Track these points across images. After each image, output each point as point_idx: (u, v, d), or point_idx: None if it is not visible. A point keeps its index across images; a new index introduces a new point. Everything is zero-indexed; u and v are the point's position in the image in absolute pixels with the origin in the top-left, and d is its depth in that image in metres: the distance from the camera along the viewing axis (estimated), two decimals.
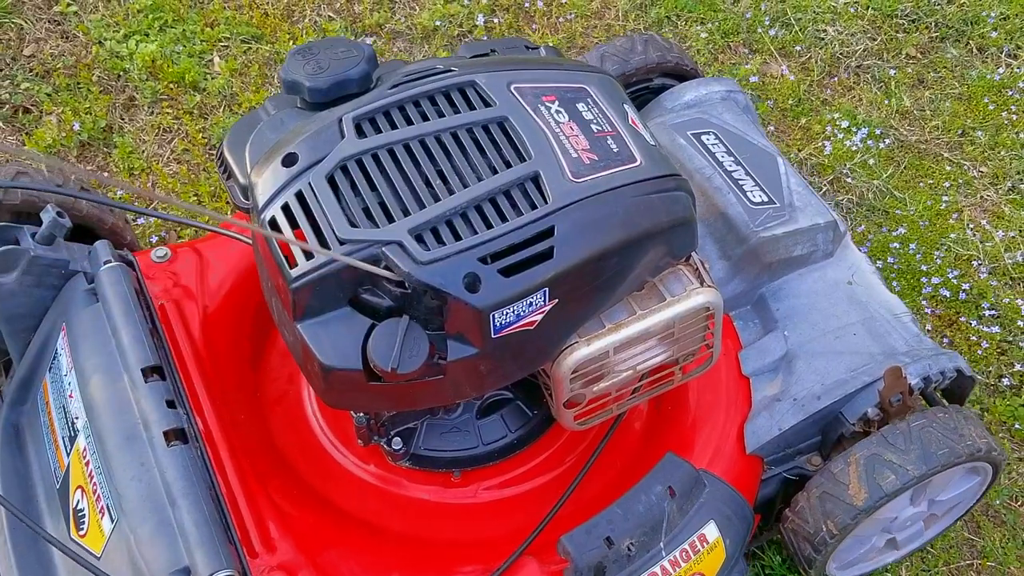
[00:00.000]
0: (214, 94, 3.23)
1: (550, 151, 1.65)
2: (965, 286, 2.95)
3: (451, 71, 1.74)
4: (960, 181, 3.19)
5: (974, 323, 2.87)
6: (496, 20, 3.49)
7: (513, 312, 1.57)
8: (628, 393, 1.89)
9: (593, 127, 1.73)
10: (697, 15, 3.57)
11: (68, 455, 1.89)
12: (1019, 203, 3.12)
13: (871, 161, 3.23)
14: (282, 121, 1.80)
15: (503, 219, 1.57)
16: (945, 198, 3.14)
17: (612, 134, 1.74)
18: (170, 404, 1.81)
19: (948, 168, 3.21)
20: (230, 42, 3.36)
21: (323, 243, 1.55)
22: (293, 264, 1.56)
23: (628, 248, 1.67)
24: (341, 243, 1.54)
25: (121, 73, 3.25)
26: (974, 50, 3.52)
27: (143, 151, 3.10)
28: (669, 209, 1.71)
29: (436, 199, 1.58)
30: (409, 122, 1.66)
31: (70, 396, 1.90)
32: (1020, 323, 2.87)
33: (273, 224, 1.60)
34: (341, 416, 2.03)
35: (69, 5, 3.40)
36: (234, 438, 1.87)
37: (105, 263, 2.00)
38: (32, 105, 3.16)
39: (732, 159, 2.42)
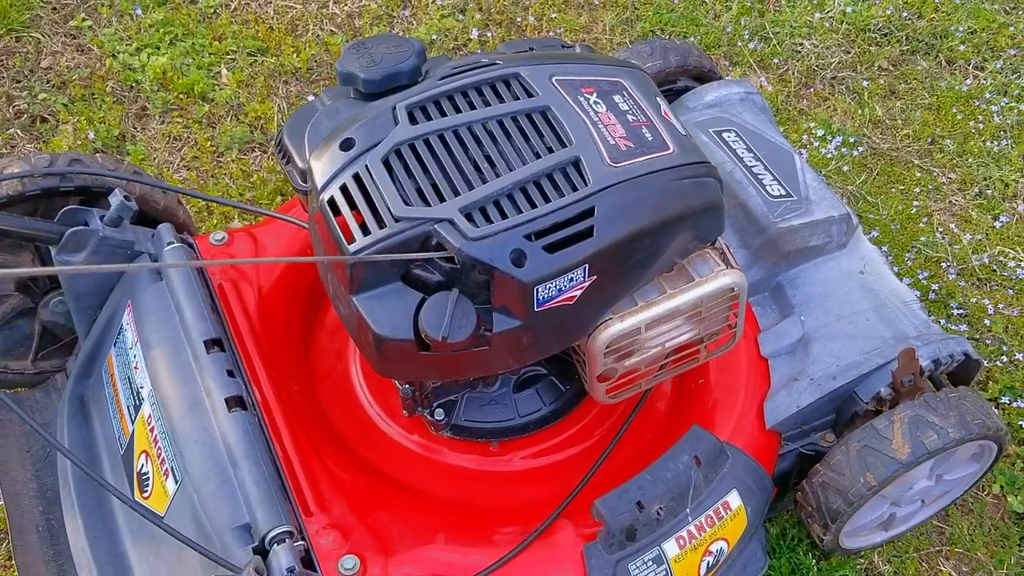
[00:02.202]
0: (222, 104, 3.25)
1: (589, 138, 1.68)
2: (934, 286, 2.97)
3: (496, 64, 1.77)
4: (930, 187, 3.20)
5: (943, 322, 2.89)
6: (489, 34, 3.51)
7: (555, 287, 1.60)
8: (656, 369, 1.92)
9: (629, 117, 1.76)
10: (680, 29, 3.59)
11: (133, 423, 1.92)
12: (986, 207, 3.14)
13: (845, 168, 3.26)
14: (337, 110, 1.84)
15: (547, 200, 1.60)
16: (916, 203, 3.15)
17: (646, 124, 1.76)
18: (230, 374, 1.84)
19: (918, 174, 3.23)
20: (237, 55, 3.39)
21: (379, 221, 1.59)
22: (351, 240, 1.59)
23: (661, 229, 1.69)
24: (396, 220, 1.57)
25: (134, 84, 3.28)
26: (943, 62, 3.55)
27: (154, 158, 3.13)
28: (700, 194, 1.74)
29: (484, 181, 1.61)
30: (458, 110, 1.69)
31: (135, 368, 1.94)
32: (987, 321, 2.89)
33: (332, 204, 1.63)
34: (386, 390, 2.06)
35: (84, 20, 3.43)
36: (288, 407, 1.90)
37: (168, 244, 2.03)
38: (49, 115, 3.19)
39: (752, 155, 2.44)
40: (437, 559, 1.74)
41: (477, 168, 1.63)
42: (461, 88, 1.72)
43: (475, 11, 3.56)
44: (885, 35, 3.61)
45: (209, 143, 3.14)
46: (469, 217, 1.57)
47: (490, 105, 1.71)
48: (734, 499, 1.92)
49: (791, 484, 2.26)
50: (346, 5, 3.56)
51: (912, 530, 2.45)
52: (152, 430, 1.85)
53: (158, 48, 3.37)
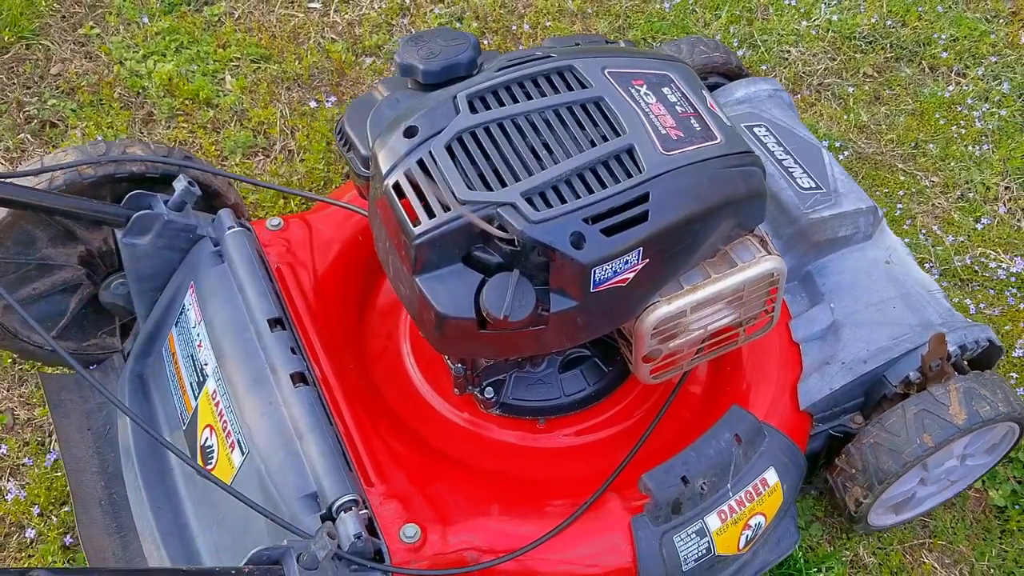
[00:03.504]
0: (226, 110, 3.25)
1: (642, 127, 1.71)
2: None
3: (550, 57, 1.80)
4: (913, 190, 3.21)
5: None
6: (486, 41, 3.51)
7: (611, 268, 1.63)
8: (698, 350, 1.94)
9: (677, 108, 1.79)
10: (671, 37, 3.58)
11: (196, 398, 1.95)
12: (967, 210, 3.16)
13: None
14: (397, 100, 1.87)
15: (603, 185, 1.63)
16: (899, 206, 3.16)
17: (694, 115, 1.79)
18: (292, 351, 1.87)
19: (902, 178, 3.23)
20: (240, 62, 3.39)
21: (443, 205, 1.61)
22: (416, 223, 1.61)
23: (710, 216, 1.72)
24: (461, 204, 1.59)
25: (140, 91, 3.28)
26: (926, 69, 3.56)
27: None
28: (745, 182, 1.77)
29: (543, 167, 1.64)
30: (516, 100, 1.72)
31: (199, 346, 1.96)
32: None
33: (397, 188, 1.66)
34: (436, 369, 2.09)
35: (92, 28, 3.44)
36: (346, 384, 1.93)
37: (229, 228, 2.06)
38: (58, 120, 3.19)
39: (782, 149, 2.47)
40: (493, 529, 1.77)
41: (536, 155, 1.66)
42: (518, 79, 1.75)
43: (472, 19, 3.57)
44: (870, 43, 3.63)
45: (213, 147, 3.16)
46: (530, 201, 1.60)
47: (546, 96, 1.73)
48: (771, 476, 1.95)
49: (819, 466, 2.29)
50: (346, 14, 3.57)
51: (916, 517, 2.49)
52: (217, 405, 1.87)
53: (164, 55, 3.37)
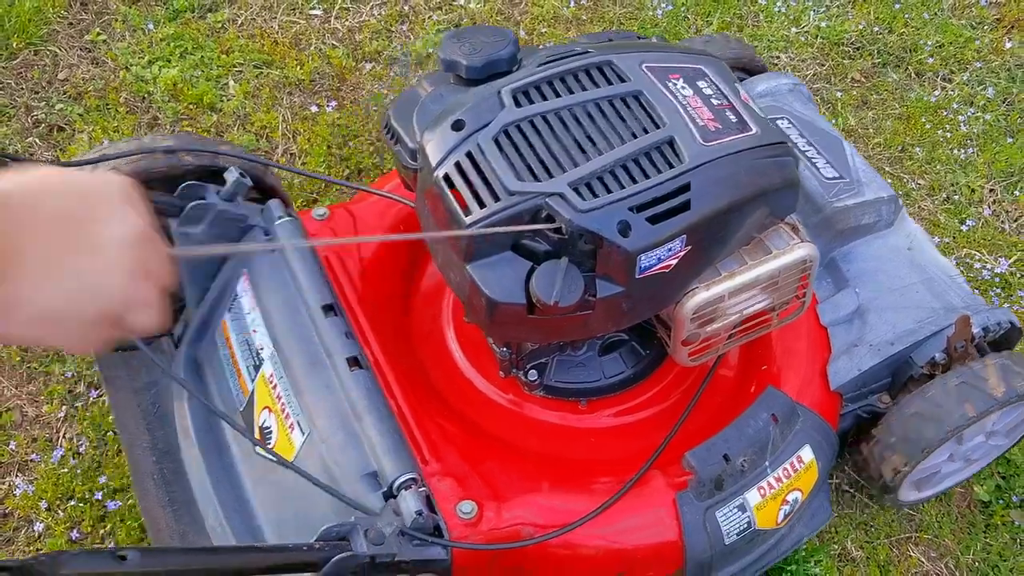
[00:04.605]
0: (229, 114, 3.27)
1: (680, 119, 1.73)
2: None
3: (589, 52, 1.83)
4: (900, 192, 3.23)
5: None
6: None
7: (656, 255, 1.66)
8: (733, 334, 1.98)
9: (713, 101, 1.81)
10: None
11: (252, 381, 1.99)
12: (953, 212, 3.18)
13: None
14: (441, 95, 1.90)
15: (646, 176, 1.65)
16: None
17: (729, 107, 1.82)
18: (347, 335, 1.91)
19: (889, 181, 3.25)
20: (243, 67, 3.40)
21: (494, 195, 1.64)
22: (467, 212, 1.65)
23: (748, 204, 1.75)
24: (511, 194, 1.63)
25: (146, 95, 3.30)
26: (912, 74, 3.57)
27: None
28: (780, 172, 1.80)
29: (588, 158, 1.66)
30: (558, 94, 1.74)
31: (253, 331, 2.00)
32: None
33: (447, 179, 1.69)
34: (479, 352, 2.12)
35: (99, 34, 3.45)
36: (397, 366, 1.97)
37: (279, 219, 2.10)
38: (65, 124, 3.21)
39: (804, 140, 2.50)
40: (544, 505, 1.81)
41: (580, 147, 1.69)
42: (559, 74, 1.78)
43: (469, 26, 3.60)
44: (857, 49, 3.64)
45: None
46: (578, 191, 1.62)
47: (587, 89, 1.76)
48: (807, 453, 1.98)
49: (845, 445, 2.33)
50: (347, 20, 3.58)
51: (934, 496, 2.53)
52: (274, 388, 1.91)
53: (169, 61, 3.39)
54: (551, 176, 1.64)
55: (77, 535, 2.37)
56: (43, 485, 2.43)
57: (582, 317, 1.70)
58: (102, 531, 2.39)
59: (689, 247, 1.69)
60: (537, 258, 1.67)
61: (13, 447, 2.51)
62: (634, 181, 1.65)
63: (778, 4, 3.73)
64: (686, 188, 1.66)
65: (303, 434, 1.81)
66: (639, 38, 2.12)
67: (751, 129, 1.79)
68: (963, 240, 3.11)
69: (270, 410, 1.91)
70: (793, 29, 3.68)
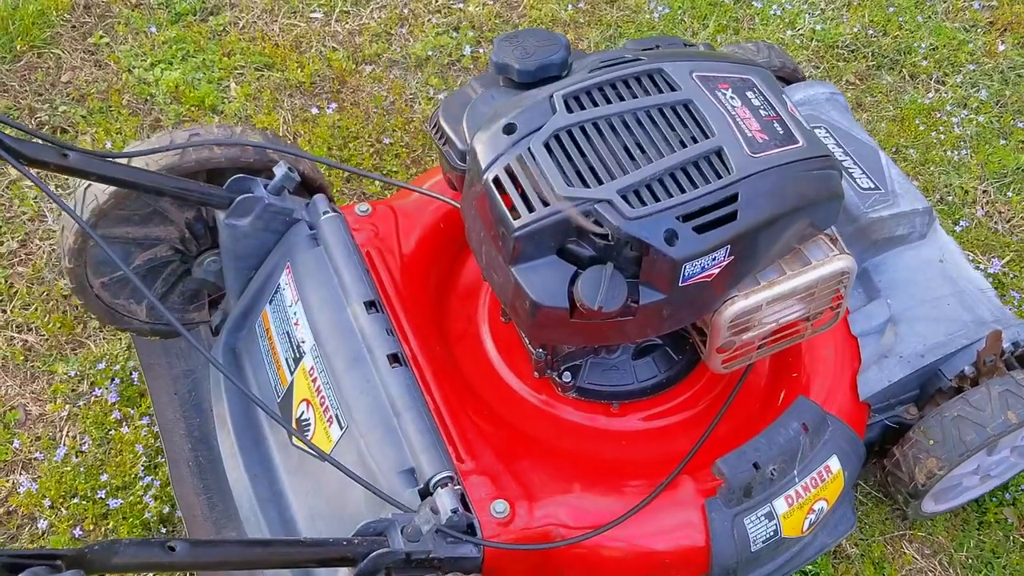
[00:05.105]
0: (231, 116, 3.26)
1: (729, 130, 1.73)
2: None
3: (640, 59, 1.83)
4: None
5: None
6: (481, 50, 3.51)
7: (700, 264, 1.66)
8: (767, 343, 1.98)
9: (761, 112, 1.81)
10: None
11: (292, 373, 2.00)
12: (947, 213, 3.16)
13: None
14: (492, 97, 1.89)
15: (694, 185, 1.66)
16: None
17: (777, 119, 1.81)
18: (388, 332, 1.92)
19: None
20: (245, 70, 3.40)
21: (543, 200, 1.65)
22: (516, 216, 1.65)
23: (792, 215, 1.75)
24: (560, 199, 1.62)
25: (148, 98, 3.30)
26: (907, 77, 3.56)
27: None
28: (825, 185, 1.79)
29: (637, 166, 1.66)
30: (609, 101, 1.74)
31: (295, 324, 2.01)
32: None
33: (497, 183, 1.69)
34: (513, 353, 2.13)
35: (102, 37, 3.44)
36: (435, 364, 1.97)
37: (324, 213, 2.10)
38: (69, 126, 3.21)
39: (841, 150, 2.49)
40: (576, 505, 1.82)
41: (630, 154, 1.69)
42: (611, 81, 1.77)
43: (468, 29, 3.57)
44: (852, 51, 3.62)
45: None
46: (626, 198, 1.63)
47: (638, 97, 1.76)
48: (835, 463, 1.98)
49: (871, 455, 2.33)
50: (347, 23, 3.57)
51: (951, 510, 2.53)
52: (314, 381, 1.92)
53: (171, 63, 3.39)
54: (600, 183, 1.65)
55: (80, 532, 2.38)
56: (46, 483, 2.44)
57: (622, 322, 1.71)
58: (104, 528, 2.40)
59: (732, 257, 1.69)
60: (581, 263, 1.68)
61: (17, 445, 2.52)
62: (682, 190, 1.65)
63: (774, 7, 3.71)
64: (733, 199, 1.66)
65: (341, 428, 1.82)
66: (686, 45, 2.10)
67: (798, 141, 1.78)
68: (957, 241, 3.09)
69: (308, 403, 1.92)
70: (788, 32, 3.66)
